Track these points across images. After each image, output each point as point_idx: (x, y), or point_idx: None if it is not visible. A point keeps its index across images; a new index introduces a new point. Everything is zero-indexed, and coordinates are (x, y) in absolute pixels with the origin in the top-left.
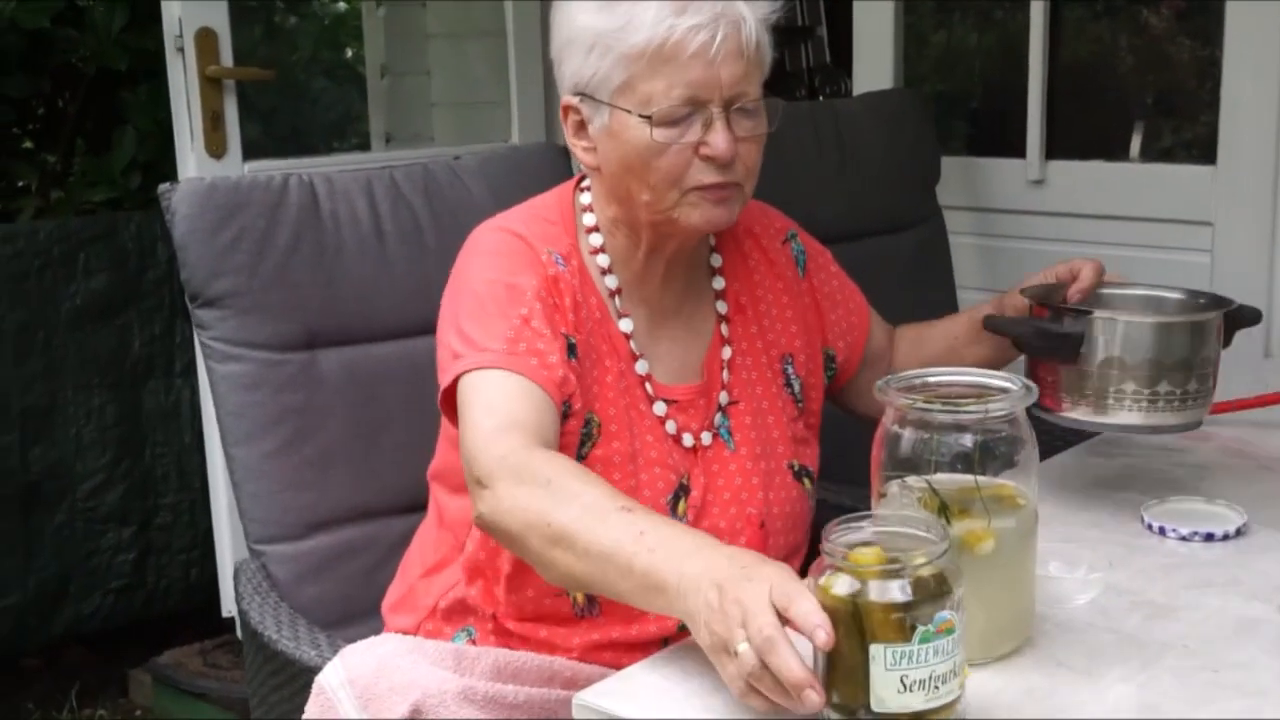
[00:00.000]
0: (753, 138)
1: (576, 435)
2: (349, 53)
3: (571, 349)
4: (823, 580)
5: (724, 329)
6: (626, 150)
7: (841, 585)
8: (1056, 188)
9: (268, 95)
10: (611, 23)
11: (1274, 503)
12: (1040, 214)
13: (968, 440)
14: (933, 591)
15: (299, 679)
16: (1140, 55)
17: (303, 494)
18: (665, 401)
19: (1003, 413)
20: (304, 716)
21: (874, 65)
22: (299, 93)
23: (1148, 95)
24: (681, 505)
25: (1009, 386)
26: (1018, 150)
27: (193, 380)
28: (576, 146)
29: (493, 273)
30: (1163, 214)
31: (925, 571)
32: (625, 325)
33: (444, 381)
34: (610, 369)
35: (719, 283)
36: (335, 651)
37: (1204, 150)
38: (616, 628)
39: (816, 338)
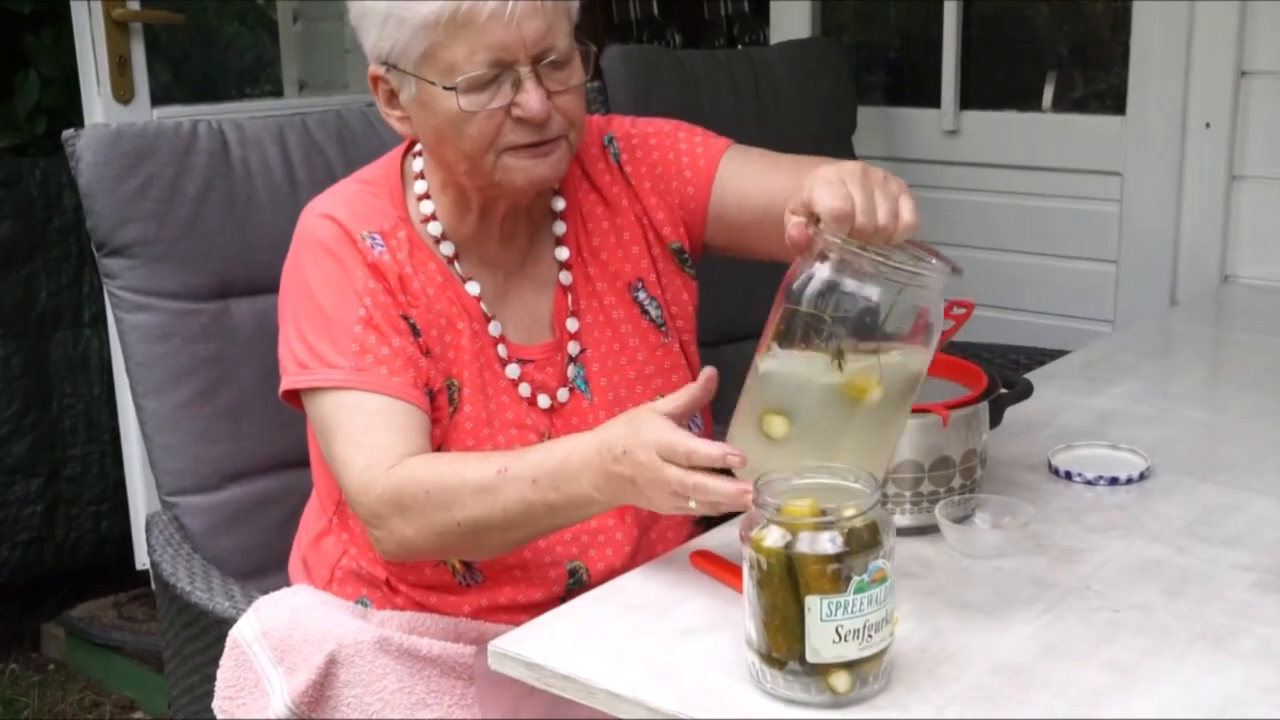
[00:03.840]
0: (568, 89)
1: (445, 408)
2: None
3: (414, 328)
4: (754, 533)
5: (564, 276)
6: (438, 120)
7: (773, 537)
8: (971, 138)
9: (178, 40)
10: None
11: (1176, 448)
12: (955, 164)
13: (874, 293)
14: (865, 542)
15: (213, 630)
16: (1054, 7)
17: (215, 445)
18: (520, 363)
19: (928, 277)
20: (220, 670)
21: (792, 15)
22: (210, 38)
23: (1062, 46)
24: None
25: (938, 262)
26: (933, 100)
27: (102, 331)
28: (390, 117)
29: (324, 271)
30: (1074, 164)
31: (858, 522)
32: (472, 288)
33: (288, 384)
34: (463, 331)
35: (560, 228)
36: (250, 603)
37: (1117, 101)
38: (503, 591)
39: (658, 247)
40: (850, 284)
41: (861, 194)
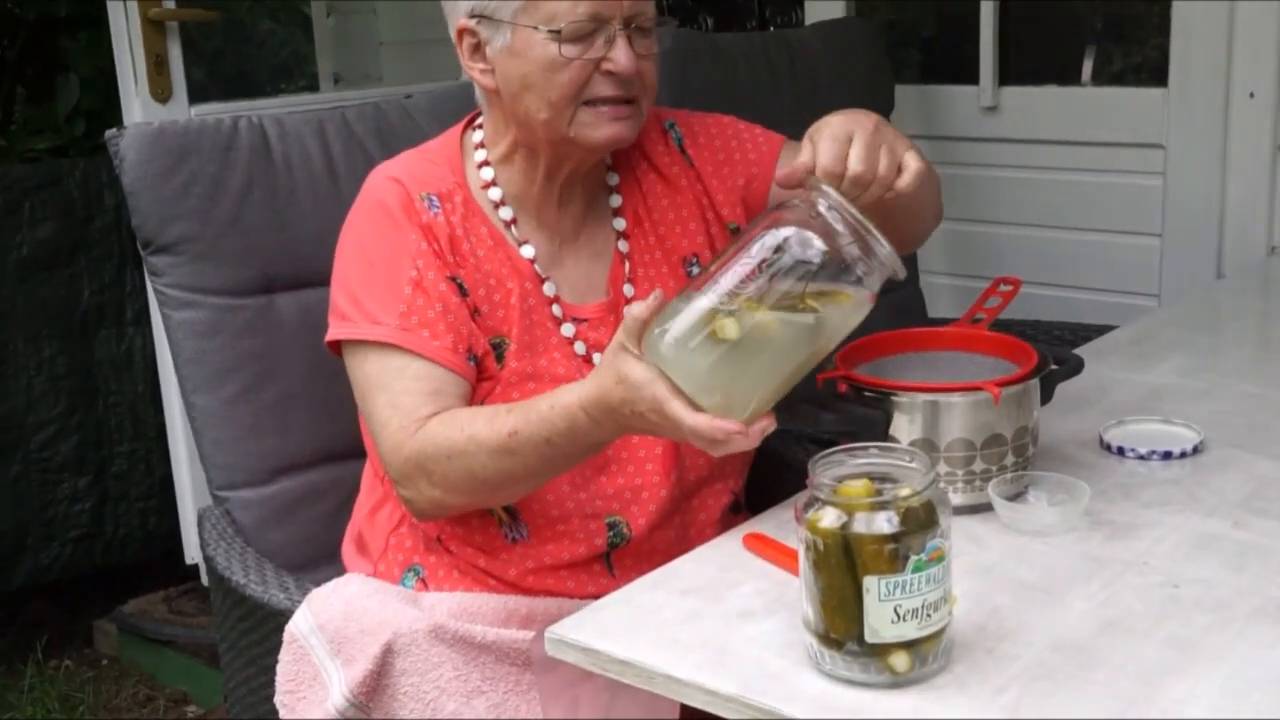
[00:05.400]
0: (650, 56)
1: (493, 366)
2: None
3: (461, 288)
4: (810, 514)
5: (622, 245)
6: (530, 68)
7: (829, 518)
8: (1010, 114)
9: (213, 37)
10: None
11: (1228, 421)
12: (994, 140)
13: (816, 255)
14: (922, 521)
15: (269, 622)
16: None
17: (265, 439)
18: (575, 321)
19: (886, 249)
20: (280, 665)
21: None
22: (244, 34)
23: (1098, 19)
24: None
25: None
26: (971, 77)
27: (145, 328)
28: (473, 69)
29: (380, 230)
30: (1115, 138)
31: (914, 502)
32: (527, 251)
33: (333, 335)
34: (513, 290)
35: (616, 200)
36: (304, 594)
37: (1154, 73)
38: (548, 548)
39: (716, 226)
40: (824, 232)
41: (864, 148)
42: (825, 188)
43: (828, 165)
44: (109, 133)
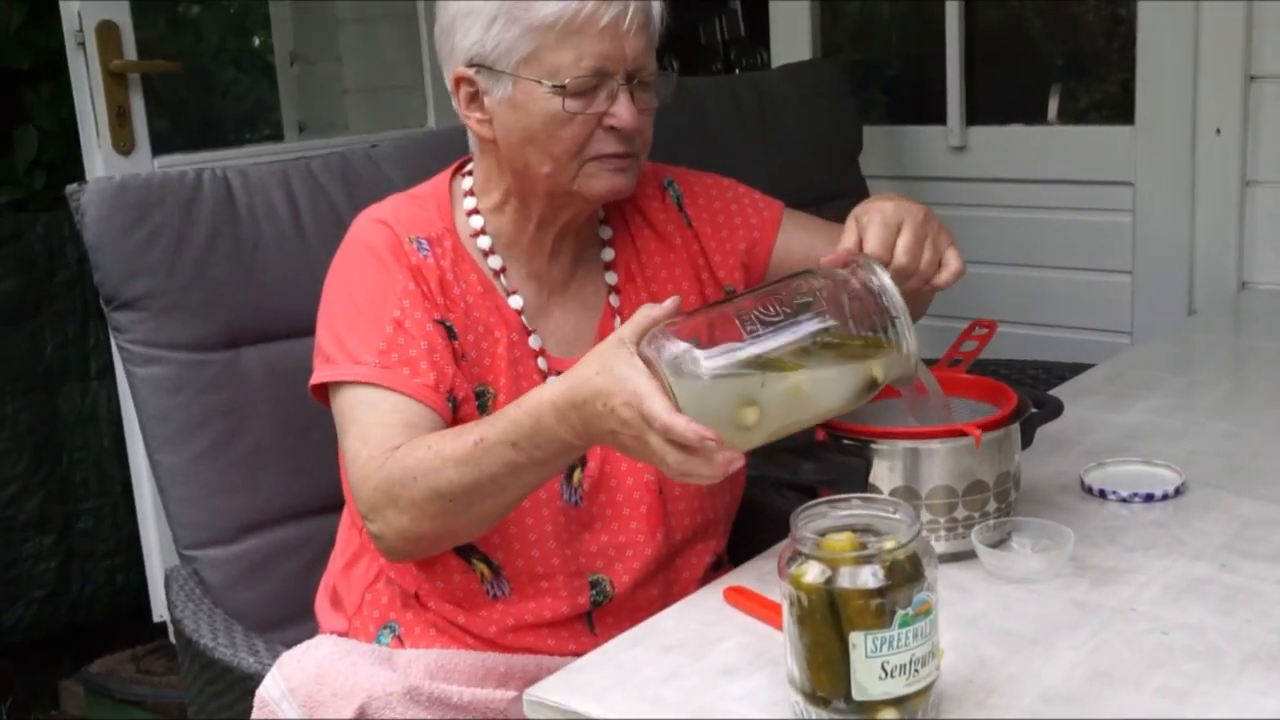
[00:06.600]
0: (649, 110)
1: (474, 415)
2: (257, 41)
3: (450, 331)
4: (793, 569)
5: (613, 299)
6: (530, 121)
7: (813, 573)
8: (978, 153)
9: (176, 88)
10: None
11: (1207, 461)
12: (963, 180)
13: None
14: (908, 574)
15: (238, 686)
16: (1048, 17)
17: (233, 496)
18: (559, 375)
19: (906, 349)
20: None
21: (791, 37)
22: (208, 84)
23: (1059, 57)
24: (577, 475)
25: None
26: (938, 117)
27: (109, 383)
28: (470, 118)
29: (366, 271)
30: (1084, 176)
31: (899, 555)
32: (515, 302)
33: (316, 378)
34: (500, 339)
35: (608, 254)
36: (274, 657)
37: (1117, 109)
38: (529, 605)
39: (711, 286)
40: (863, 309)
41: (912, 239)
42: (878, 268)
43: (876, 252)
44: (70, 188)
